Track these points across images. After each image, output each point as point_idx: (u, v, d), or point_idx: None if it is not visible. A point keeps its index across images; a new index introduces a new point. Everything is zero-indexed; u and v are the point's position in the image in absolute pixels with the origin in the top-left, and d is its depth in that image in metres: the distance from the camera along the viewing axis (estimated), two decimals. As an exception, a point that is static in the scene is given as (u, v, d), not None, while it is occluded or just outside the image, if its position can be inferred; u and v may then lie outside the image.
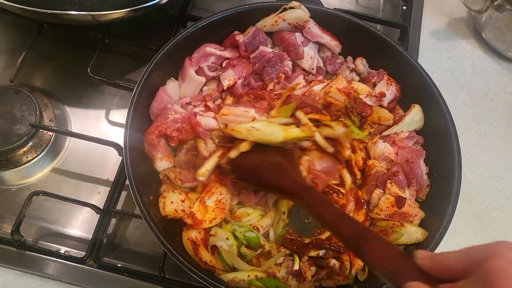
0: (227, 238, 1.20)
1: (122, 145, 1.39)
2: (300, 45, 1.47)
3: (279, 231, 1.27)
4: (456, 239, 1.38)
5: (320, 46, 1.53)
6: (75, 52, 1.68)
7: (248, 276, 1.15)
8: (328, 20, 1.48)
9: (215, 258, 1.20)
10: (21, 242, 1.33)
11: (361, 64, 1.49)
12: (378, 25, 1.79)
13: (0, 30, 1.70)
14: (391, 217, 1.27)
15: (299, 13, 1.44)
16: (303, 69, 1.51)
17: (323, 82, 1.46)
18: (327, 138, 1.30)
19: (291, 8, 1.44)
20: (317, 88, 1.43)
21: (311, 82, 1.48)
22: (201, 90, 1.46)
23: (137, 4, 1.45)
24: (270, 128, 1.21)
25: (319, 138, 1.28)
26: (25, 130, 1.45)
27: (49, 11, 1.38)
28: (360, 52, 1.51)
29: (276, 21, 1.45)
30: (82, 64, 1.57)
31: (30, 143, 1.47)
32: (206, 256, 1.17)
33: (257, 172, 1.21)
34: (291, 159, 1.26)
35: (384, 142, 1.38)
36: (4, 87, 1.51)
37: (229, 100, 1.44)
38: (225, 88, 1.42)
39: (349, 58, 1.52)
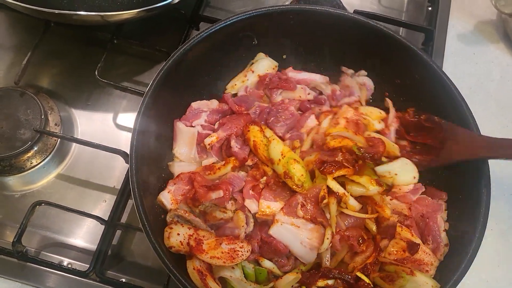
0: (233, 268, 1.13)
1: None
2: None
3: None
4: (480, 258, 1.28)
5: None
6: (82, 52, 1.62)
7: (257, 306, 1.08)
8: (346, 26, 1.39)
9: None
10: (22, 253, 1.29)
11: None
12: (401, 28, 1.69)
13: (6, 27, 1.65)
14: (402, 262, 1.17)
15: (266, 62, 1.44)
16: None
17: (331, 113, 1.40)
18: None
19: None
20: (325, 123, 1.37)
21: (320, 114, 1.42)
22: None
23: (149, 4, 1.38)
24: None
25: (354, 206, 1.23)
26: (30, 134, 1.39)
27: (56, 11, 1.33)
28: (382, 61, 1.42)
29: (246, 76, 1.43)
30: (89, 64, 1.52)
31: (35, 148, 1.42)
32: (215, 286, 1.10)
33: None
34: None
35: (391, 199, 1.27)
36: (8, 89, 1.45)
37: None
38: (207, 148, 1.31)
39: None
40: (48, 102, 1.50)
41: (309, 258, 1.20)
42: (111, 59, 1.52)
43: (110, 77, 1.47)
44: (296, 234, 1.19)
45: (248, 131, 1.30)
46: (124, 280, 1.31)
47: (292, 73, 1.45)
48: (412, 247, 1.16)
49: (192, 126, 1.34)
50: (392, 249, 1.18)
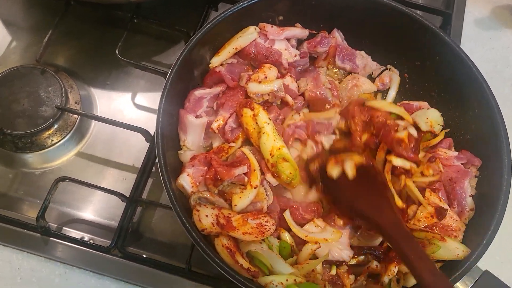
0: (260, 243, 1.14)
1: (150, 132, 1.37)
2: (270, 46, 1.37)
3: None
4: (496, 241, 1.29)
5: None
6: (102, 32, 1.62)
7: (287, 280, 1.08)
8: (366, 7, 1.39)
9: (252, 264, 1.13)
10: (45, 229, 1.30)
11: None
12: (418, 11, 1.69)
13: (26, 6, 1.64)
14: (431, 228, 1.20)
15: (250, 30, 1.37)
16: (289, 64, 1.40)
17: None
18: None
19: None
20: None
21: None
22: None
23: (169, -17, 1.38)
24: None
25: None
26: (51, 112, 1.40)
27: (76, -12, 1.33)
28: (402, 42, 1.42)
29: (235, 48, 1.35)
30: (109, 44, 1.52)
31: (56, 126, 1.43)
32: (245, 262, 1.11)
33: (353, 197, 1.18)
34: (390, 196, 1.19)
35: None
36: (29, 67, 1.46)
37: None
38: (216, 131, 1.29)
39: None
40: (68, 80, 1.50)
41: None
42: (130, 38, 1.51)
43: (129, 56, 1.46)
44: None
45: (242, 115, 1.29)
46: (145, 256, 1.32)
47: (273, 35, 1.38)
48: (440, 212, 1.18)
49: (199, 116, 1.32)
50: (421, 215, 1.20)
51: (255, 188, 1.19)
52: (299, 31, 1.42)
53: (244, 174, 1.22)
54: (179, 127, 1.30)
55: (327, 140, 1.32)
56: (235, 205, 1.18)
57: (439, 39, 1.34)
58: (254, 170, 1.22)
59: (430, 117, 1.33)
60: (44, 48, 1.47)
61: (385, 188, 1.20)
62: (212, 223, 1.13)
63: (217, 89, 1.33)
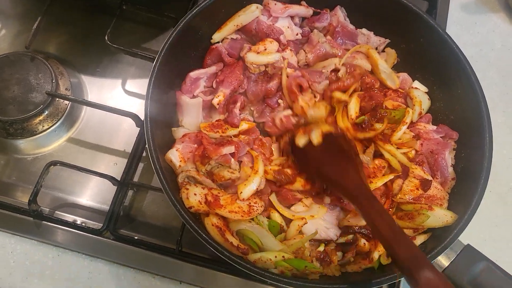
0: (250, 222, 1.17)
1: (141, 117, 1.38)
2: (272, 24, 1.39)
3: None
4: (479, 220, 1.34)
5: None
6: (91, 19, 1.63)
7: (275, 257, 1.12)
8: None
9: (242, 242, 1.16)
10: (38, 212, 1.32)
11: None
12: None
13: (13, -6, 1.65)
14: (417, 200, 1.23)
15: (252, 8, 1.38)
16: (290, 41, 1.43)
17: None
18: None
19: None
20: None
21: None
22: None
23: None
24: None
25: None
26: (41, 98, 1.41)
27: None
28: (387, 25, 1.45)
29: (236, 25, 1.39)
30: (98, 31, 1.53)
31: (46, 112, 1.44)
32: (234, 240, 1.14)
33: (320, 163, 1.23)
34: (358, 162, 1.24)
35: (410, 131, 1.34)
36: (19, 54, 1.47)
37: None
38: (216, 106, 1.33)
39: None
40: (58, 67, 1.51)
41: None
42: (119, 26, 1.53)
43: (118, 43, 1.48)
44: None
45: None
46: (136, 238, 1.34)
47: (276, 13, 1.39)
48: (425, 184, 1.22)
49: (196, 97, 1.36)
50: (406, 189, 1.24)
51: (256, 173, 1.23)
52: (303, 10, 1.43)
53: (231, 155, 1.24)
54: (176, 108, 1.34)
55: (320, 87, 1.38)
56: (241, 192, 1.20)
57: (424, 23, 1.37)
58: (257, 157, 1.26)
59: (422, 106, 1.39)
60: (34, 35, 1.48)
61: (352, 154, 1.25)
62: (199, 201, 1.15)
63: (212, 68, 1.36)
